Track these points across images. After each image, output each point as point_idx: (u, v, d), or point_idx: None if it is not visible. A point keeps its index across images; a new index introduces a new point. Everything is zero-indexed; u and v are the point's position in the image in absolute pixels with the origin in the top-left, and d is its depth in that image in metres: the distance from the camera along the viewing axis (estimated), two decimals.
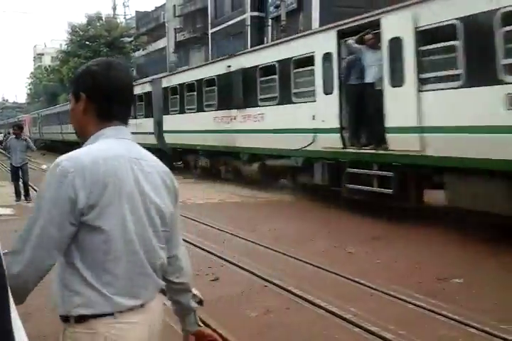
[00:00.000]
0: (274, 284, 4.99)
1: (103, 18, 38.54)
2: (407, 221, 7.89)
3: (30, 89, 61.80)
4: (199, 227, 8.08)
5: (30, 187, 11.29)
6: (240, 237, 7.20)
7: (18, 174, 11.13)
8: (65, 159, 1.43)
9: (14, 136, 11.51)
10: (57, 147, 30.65)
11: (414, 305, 4.35)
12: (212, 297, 4.71)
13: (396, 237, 7.02)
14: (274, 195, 11.38)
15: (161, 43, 44.69)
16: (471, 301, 4.46)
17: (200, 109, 14.13)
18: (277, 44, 11.49)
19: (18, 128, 11.84)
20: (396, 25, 7.65)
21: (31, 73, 64.97)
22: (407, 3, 7.60)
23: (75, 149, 1.50)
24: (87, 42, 35.48)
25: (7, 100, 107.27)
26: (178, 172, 13.72)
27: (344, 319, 4.08)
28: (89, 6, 68.96)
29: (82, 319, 1.42)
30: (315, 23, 22.83)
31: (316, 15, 24.22)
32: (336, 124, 8.72)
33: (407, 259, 5.88)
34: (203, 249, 6.51)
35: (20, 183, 11.26)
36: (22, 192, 11.20)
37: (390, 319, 4.09)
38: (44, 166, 22.16)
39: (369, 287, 4.83)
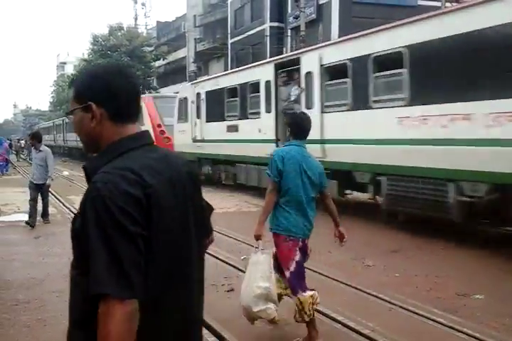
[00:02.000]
0: (290, 296, 4.91)
1: (124, 28, 39.18)
2: (426, 233, 7.76)
3: (52, 96, 62.93)
4: (215, 237, 8.03)
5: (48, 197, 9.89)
6: (255, 247, 7.14)
7: (37, 192, 9.24)
8: None
9: (33, 147, 9.86)
10: (75, 154, 33.45)
11: (434, 321, 4.24)
12: (227, 308, 4.67)
13: (415, 250, 6.90)
14: None
15: (181, 53, 45.23)
16: (492, 318, 4.34)
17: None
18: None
19: (34, 137, 9.66)
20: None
21: (54, 81, 66.27)
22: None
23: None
24: (108, 52, 36.05)
25: (30, 107, 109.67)
26: None
27: (361, 334, 3.99)
28: (112, 16, 70.36)
29: None
30: (334, 34, 22.87)
31: (335, 25, 24.28)
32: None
33: (426, 273, 5.76)
34: (219, 259, 6.48)
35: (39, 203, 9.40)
36: (39, 212, 9.34)
37: (409, 335, 3.99)
38: (66, 172, 22.51)
39: (387, 301, 4.74)
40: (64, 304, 4.93)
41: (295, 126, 4.01)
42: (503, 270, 5.86)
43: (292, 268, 3.75)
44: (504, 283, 5.41)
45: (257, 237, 3.84)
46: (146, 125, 16.88)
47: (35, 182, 9.22)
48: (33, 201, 9.20)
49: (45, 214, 9.66)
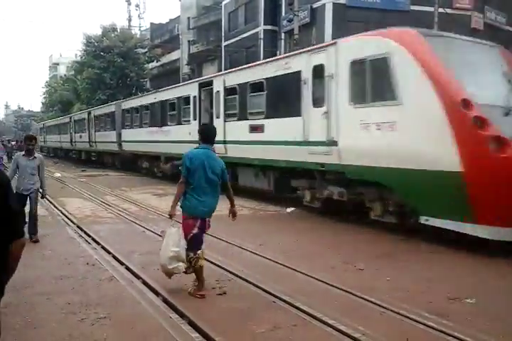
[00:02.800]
0: (282, 300, 4.91)
1: (118, 29, 39.06)
2: (418, 237, 7.79)
3: (45, 97, 62.58)
4: (207, 240, 8.00)
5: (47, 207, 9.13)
6: (248, 251, 7.14)
7: (24, 204, 7.76)
8: None
9: (23, 153, 7.97)
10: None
11: (425, 325, 4.25)
12: (218, 311, 4.66)
13: (406, 254, 6.92)
14: (284, 208, 11.32)
15: (174, 55, 45.18)
16: (483, 323, 4.35)
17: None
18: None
19: (32, 139, 8.06)
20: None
21: (46, 82, 65.84)
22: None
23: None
24: (101, 53, 35.91)
25: (22, 108, 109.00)
26: None
27: (353, 338, 3.99)
28: (105, 17, 70.19)
29: None
30: (327, 37, 22.95)
31: (329, 29, 24.37)
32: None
33: (417, 277, 5.77)
34: (211, 262, 6.45)
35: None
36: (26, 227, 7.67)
37: (400, 339, 3.99)
38: (57, 174, 22.30)
39: (379, 305, 4.74)
40: (54, 307, 4.91)
41: (203, 134, 5.52)
42: (492, 273, 5.89)
43: (189, 237, 5.16)
44: (495, 287, 5.43)
45: (171, 216, 5.25)
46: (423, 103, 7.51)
47: (23, 193, 7.71)
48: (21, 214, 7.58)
49: (33, 230, 7.90)
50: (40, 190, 8.14)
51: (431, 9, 20.08)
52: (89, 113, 29.38)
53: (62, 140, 36.82)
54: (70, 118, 34.49)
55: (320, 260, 6.64)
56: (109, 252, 7.12)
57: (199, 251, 5.17)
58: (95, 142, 27.39)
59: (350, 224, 9.29)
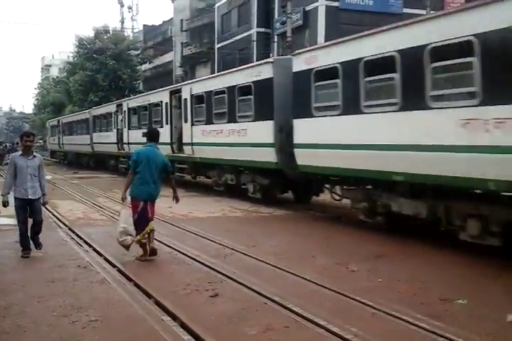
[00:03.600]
0: (274, 301, 4.91)
1: (110, 31, 38.94)
2: (409, 238, 7.82)
3: (37, 99, 62.24)
4: (200, 241, 8.02)
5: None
6: (240, 252, 7.13)
7: (25, 210, 6.88)
8: None
9: (20, 152, 7.02)
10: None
11: (417, 326, 4.26)
12: (211, 313, 4.64)
13: (398, 255, 6.94)
14: (276, 210, 11.32)
15: (167, 57, 45.11)
16: (474, 323, 4.37)
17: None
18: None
19: (28, 136, 7.04)
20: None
21: (39, 84, 65.49)
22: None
23: None
24: (93, 55, 35.76)
25: (14, 110, 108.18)
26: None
27: (345, 339, 3.99)
28: (98, 19, 70.02)
29: None
30: (320, 40, 23.02)
31: (322, 32, 24.45)
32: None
33: (409, 278, 5.79)
34: (203, 264, 6.44)
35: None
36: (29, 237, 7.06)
37: (392, 340, 4.00)
38: (48, 177, 22.14)
39: (371, 306, 4.74)
40: (45, 310, 4.88)
41: (149, 135, 7.07)
42: (484, 275, 5.92)
43: (136, 216, 6.62)
44: (486, 287, 5.46)
45: (123, 199, 6.85)
46: None
47: (29, 196, 6.81)
48: (23, 224, 6.91)
49: (37, 242, 7.11)
50: (41, 196, 7.10)
51: (423, 12, 20.23)
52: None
53: (104, 141, 24.68)
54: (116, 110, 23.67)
55: (312, 261, 6.65)
56: (100, 254, 7.08)
57: (145, 230, 6.62)
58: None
59: (343, 226, 9.31)
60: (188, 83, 16.03)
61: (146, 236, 6.63)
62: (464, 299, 4.97)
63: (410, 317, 4.42)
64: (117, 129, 22.57)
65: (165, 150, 13.45)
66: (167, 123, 16.77)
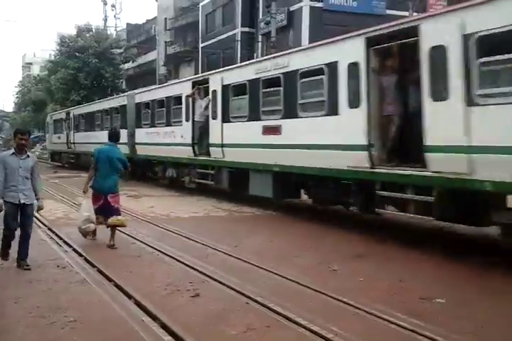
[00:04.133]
0: (256, 301, 4.90)
1: (93, 29, 38.53)
2: (389, 238, 7.88)
3: (17, 97, 61.34)
4: (181, 241, 7.98)
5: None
6: (222, 252, 7.10)
7: (16, 217, 6.18)
8: None
9: (12, 151, 6.28)
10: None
11: (397, 325, 4.29)
12: (191, 313, 4.61)
13: (379, 255, 6.99)
14: (259, 209, 11.32)
15: (151, 56, 44.84)
16: (453, 322, 4.42)
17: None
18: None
19: (23, 134, 6.30)
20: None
21: (19, 82, 64.60)
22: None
23: None
24: (76, 53, 35.31)
25: None
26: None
27: (326, 338, 4.00)
28: (80, 17, 69.23)
29: None
30: (304, 40, 23.12)
31: (306, 32, 24.54)
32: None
33: (390, 278, 5.83)
34: (185, 264, 6.40)
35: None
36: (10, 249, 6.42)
37: (373, 339, 4.03)
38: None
39: (352, 305, 4.77)
40: (22, 311, 4.79)
41: (109, 135, 8.06)
42: (463, 275, 5.99)
43: (96, 206, 7.59)
44: (464, 287, 5.53)
45: (84, 192, 7.84)
46: None
47: (21, 201, 6.10)
48: (10, 231, 6.22)
49: (25, 253, 6.29)
50: (35, 201, 6.38)
51: (406, 13, 20.42)
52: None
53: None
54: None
55: (294, 261, 6.65)
56: (80, 255, 7.00)
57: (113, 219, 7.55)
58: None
59: (325, 226, 9.35)
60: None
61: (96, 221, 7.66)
62: (442, 298, 5.03)
63: (390, 316, 4.45)
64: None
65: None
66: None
